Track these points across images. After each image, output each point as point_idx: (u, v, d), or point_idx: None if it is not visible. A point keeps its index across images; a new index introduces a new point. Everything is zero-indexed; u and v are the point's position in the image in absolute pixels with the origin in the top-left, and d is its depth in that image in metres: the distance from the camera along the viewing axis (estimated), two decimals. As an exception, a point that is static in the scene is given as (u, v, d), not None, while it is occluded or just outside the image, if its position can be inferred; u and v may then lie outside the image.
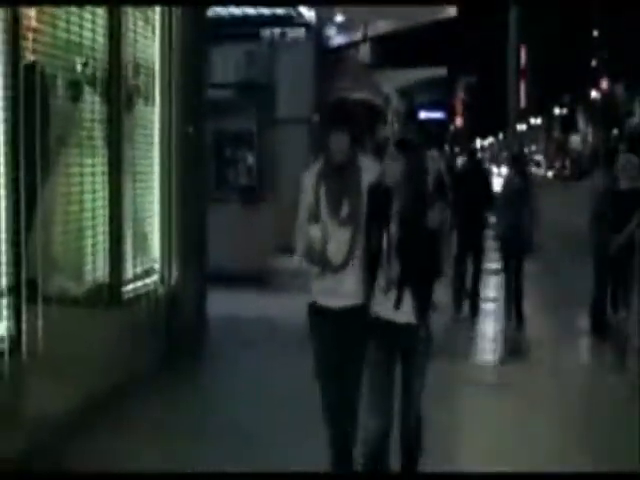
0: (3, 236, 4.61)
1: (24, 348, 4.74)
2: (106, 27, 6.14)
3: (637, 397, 5.94)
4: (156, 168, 7.18)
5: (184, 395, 6.13)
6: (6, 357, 4.57)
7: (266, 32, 13.89)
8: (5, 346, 4.57)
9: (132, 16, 6.66)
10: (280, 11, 13.80)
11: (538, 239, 8.93)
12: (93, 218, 5.96)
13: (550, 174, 55.78)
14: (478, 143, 64.63)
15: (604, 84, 53.57)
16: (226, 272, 9.30)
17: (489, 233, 9.93)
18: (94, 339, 5.63)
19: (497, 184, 10.89)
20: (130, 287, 6.55)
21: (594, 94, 55.14)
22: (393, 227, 3.80)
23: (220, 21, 12.39)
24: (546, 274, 11.27)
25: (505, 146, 22.46)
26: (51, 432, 4.88)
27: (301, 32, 13.96)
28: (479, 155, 12.03)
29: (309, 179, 4.00)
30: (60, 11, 5.46)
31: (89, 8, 5.86)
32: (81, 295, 5.81)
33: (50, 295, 5.15)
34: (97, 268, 6.08)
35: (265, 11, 13.72)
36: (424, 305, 3.82)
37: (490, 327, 9.05)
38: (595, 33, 55.41)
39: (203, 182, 8.48)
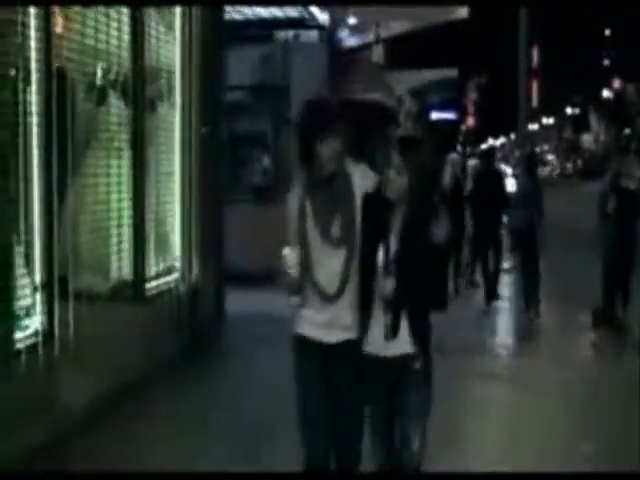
0: (37, 236, 4.84)
1: (56, 341, 4.97)
2: (129, 33, 6.36)
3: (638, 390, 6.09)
4: (177, 169, 7.40)
5: (203, 387, 6.32)
6: (40, 349, 4.80)
7: (280, 35, 14.11)
8: (39, 339, 4.80)
9: (154, 22, 6.88)
10: (293, 14, 14.01)
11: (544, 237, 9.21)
12: (118, 218, 6.19)
13: (555, 174, 55.73)
14: (490, 143, 64.59)
15: (616, 83, 53.51)
16: (240, 271, 9.52)
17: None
18: (119, 333, 5.85)
19: (509, 184, 11.24)
20: (153, 284, 6.77)
21: (606, 93, 55.08)
22: (393, 244, 3.23)
23: (234, 24, 12.60)
24: (551, 271, 11.46)
25: (517, 146, 22.56)
26: (80, 419, 5.11)
27: (314, 34, 14.17)
28: (494, 157, 12.47)
29: (294, 195, 3.37)
30: (85, 17, 5.68)
31: (113, 15, 6.08)
32: (107, 291, 6.04)
33: (79, 291, 5.38)
34: (121, 266, 6.30)
35: (278, 14, 13.93)
36: (423, 334, 3.27)
37: (503, 321, 9.29)
38: (607, 32, 55.37)
39: (220, 183, 8.71)
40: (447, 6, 14.41)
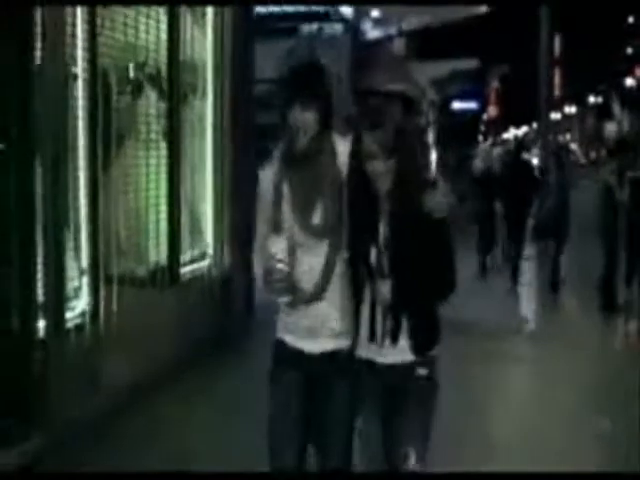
0: (83, 222, 5.17)
1: (101, 322, 5.30)
2: (164, 29, 6.67)
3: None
4: (209, 159, 7.71)
5: (235, 371, 6.53)
6: (87, 329, 5.14)
7: (305, 28, 14.38)
8: (87, 319, 5.13)
9: (187, 18, 7.18)
10: (318, 7, 14.28)
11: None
12: (155, 205, 6.51)
13: (579, 163, 55.61)
14: (512, 132, 64.38)
15: (639, 71, 53.12)
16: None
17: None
18: (156, 315, 6.18)
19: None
20: (187, 269, 7.10)
21: (629, 81, 54.71)
22: (384, 227, 2.75)
23: (260, 18, 12.88)
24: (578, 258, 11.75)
25: (539, 135, 22.62)
26: (120, 396, 5.43)
27: (338, 27, 14.43)
28: (525, 148, 13.46)
29: (267, 175, 2.85)
30: (121, 14, 5.98)
31: (148, 12, 6.38)
32: (145, 275, 6.36)
33: (119, 275, 5.70)
34: (158, 251, 6.62)
35: (303, 8, 14.21)
36: (427, 336, 2.81)
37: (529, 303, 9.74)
38: (630, 20, 54.95)
39: (251, 172, 8.99)
40: (468, 5, 14.66)
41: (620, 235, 8.47)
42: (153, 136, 6.62)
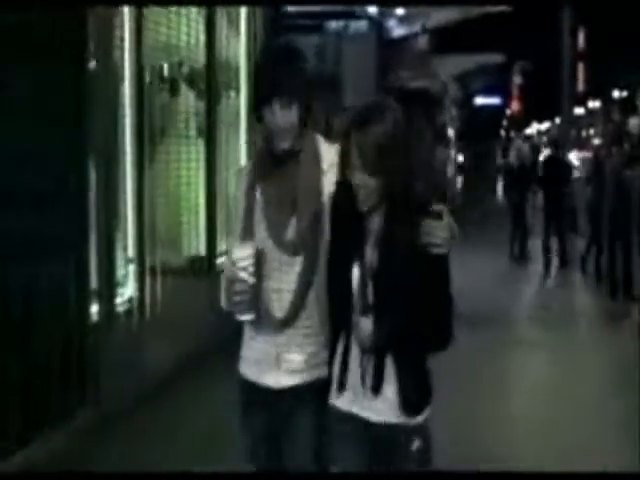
0: (130, 215, 5.52)
1: (147, 308, 5.65)
2: (201, 30, 7.00)
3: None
4: (243, 154, 8.04)
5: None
6: (134, 314, 5.49)
7: (330, 25, 14.65)
8: (134, 305, 5.49)
9: (222, 19, 7.51)
10: (343, 5, 14.54)
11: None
12: (196, 198, 6.85)
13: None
14: (535, 128, 64.19)
15: (664, 66, 52.76)
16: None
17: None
18: (195, 302, 6.51)
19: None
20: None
21: (654, 76, 54.32)
22: (371, 252, 2.24)
23: (286, 15, 13.18)
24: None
25: (562, 130, 22.75)
26: (162, 376, 5.77)
27: (363, 24, 14.69)
28: (562, 145, 14.45)
29: (239, 179, 2.49)
30: (160, 16, 6.30)
31: (185, 13, 6.71)
32: (184, 265, 6.70)
33: (161, 265, 6.05)
34: (197, 242, 6.97)
35: (329, 5, 14.47)
36: (419, 392, 2.27)
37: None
38: (655, 14, 54.55)
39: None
40: (491, 4, 14.95)
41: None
42: (191, 133, 6.96)
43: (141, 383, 5.38)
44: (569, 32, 23.46)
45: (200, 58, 7.02)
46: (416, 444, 2.26)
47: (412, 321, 2.20)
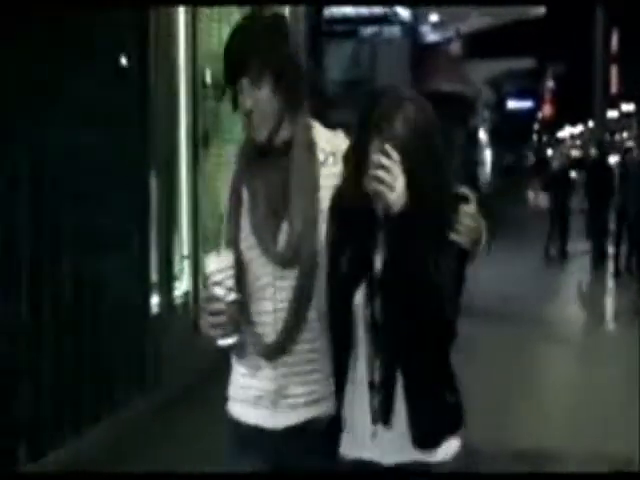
0: (184, 214, 5.86)
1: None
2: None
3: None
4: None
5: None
6: (190, 307, 5.82)
7: (365, 31, 14.97)
8: (189, 299, 5.82)
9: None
10: (377, 10, 14.85)
11: None
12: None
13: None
14: (567, 131, 63.89)
15: (699, 68, 52.25)
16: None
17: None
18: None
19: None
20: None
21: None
22: (382, 261, 1.86)
23: (324, 21, 13.51)
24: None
25: (594, 134, 22.77)
26: (218, 362, 6.07)
27: (397, 30, 15.00)
28: (607, 153, 14.97)
29: (231, 176, 2.07)
30: (205, 22, 6.60)
31: (229, 19, 7.01)
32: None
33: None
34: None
35: (363, 11, 14.79)
36: (436, 424, 1.89)
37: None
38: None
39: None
40: (525, 6, 15.14)
41: None
42: (235, 136, 7.27)
43: (196, 371, 5.71)
44: (602, 34, 23.51)
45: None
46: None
47: (426, 342, 1.84)
